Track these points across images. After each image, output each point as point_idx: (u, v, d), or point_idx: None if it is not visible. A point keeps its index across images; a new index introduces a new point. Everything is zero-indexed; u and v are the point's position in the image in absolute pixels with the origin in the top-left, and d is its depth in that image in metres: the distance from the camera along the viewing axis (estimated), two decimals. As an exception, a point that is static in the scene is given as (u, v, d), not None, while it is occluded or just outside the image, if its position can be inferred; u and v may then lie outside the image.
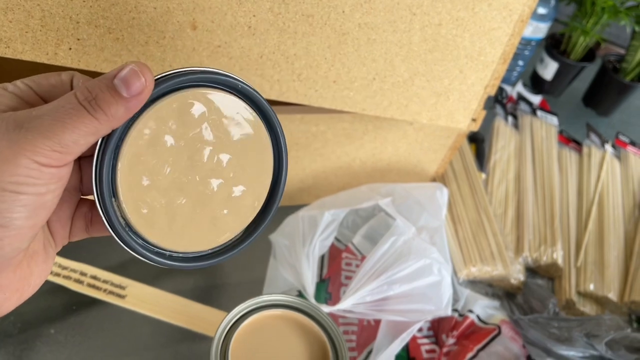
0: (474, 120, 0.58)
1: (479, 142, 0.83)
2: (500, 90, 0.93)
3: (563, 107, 0.98)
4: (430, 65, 0.52)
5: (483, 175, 0.77)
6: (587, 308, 0.65)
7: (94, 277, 0.53)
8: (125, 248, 0.28)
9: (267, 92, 0.49)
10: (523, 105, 0.90)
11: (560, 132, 0.87)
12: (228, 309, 0.45)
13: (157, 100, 0.27)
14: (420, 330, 0.60)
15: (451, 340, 0.59)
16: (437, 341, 0.60)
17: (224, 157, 0.29)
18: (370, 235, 0.66)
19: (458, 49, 0.52)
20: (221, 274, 0.64)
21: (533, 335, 0.57)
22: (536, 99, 0.95)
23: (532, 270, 0.70)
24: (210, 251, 0.32)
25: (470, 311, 0.61)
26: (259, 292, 0.61)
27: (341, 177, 0.68)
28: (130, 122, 0.26)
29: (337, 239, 0.66)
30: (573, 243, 0.72)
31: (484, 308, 0.62)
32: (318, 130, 0.59)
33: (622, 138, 0.90)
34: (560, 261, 0.68)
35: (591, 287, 0.66)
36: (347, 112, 0.58)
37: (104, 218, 0.27)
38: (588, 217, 0.74)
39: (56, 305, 0.56)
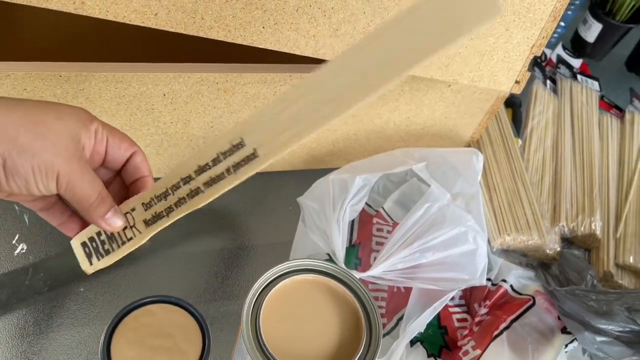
0: (517, 82, 0.55)
1: (515, 107, 0.80)
2: (539, 52, 0.89)
3: (605, 72, 0.93)
4: (475, 22, 0.49)
5: (519, 141, 0.74)
6: (626, 281, 0.63)
7: (201, 169, 0.33)
8: None
9: (302, 48, 0.47)
10: (563, 69, 0.86)
11: (602, 98, 0.83)
12: (256, 272, 0.44)
13: (134, 309, 0.44)
14: (452, 299, 0.58)
15: (483, 310, 0.57)
16: (469, 310, 0.59)
17: (171, 337, 0.44)
18: (401, 201, 0.64)
19: (505, 4, 0.48)
20: (249, 236, 0.63)
21: (570, 307, 0.55)
22: (576, 63, 0.90)
23: (568, 241, 0.68)
24: None
25: (504, 281, 0.59)
26: (286, 255, 0.60)
27: (373, 141, 0.66)
28: (113, 327, 0.43)
29: (367, 204, 0.64)
30: (612, 213, 0.69)
31: (517, 278, 0.60)
32: (352, 90, 0.57)
33: (667, 105, 0.85)
34: (598, 232, 0.66)
35: (631, 259, 0.64)
36: (383, 72, 0.55)
37: None
38: (629, 186, 0.71)
39: (85, 264, 0.56)
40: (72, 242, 0.41)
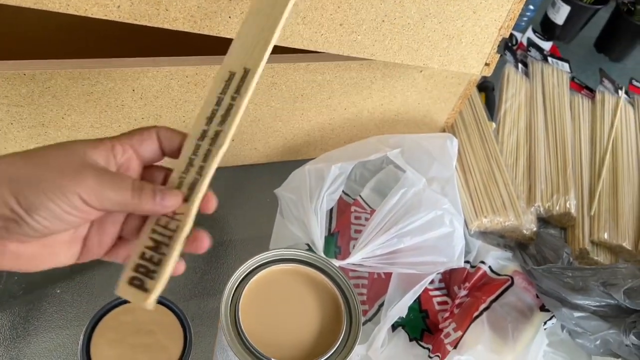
0: (487, 64, 0.56)
1: (488, 91, 0.80)
2: (510, 36, 0.90)
3: (575, 53, 0.94)
4: (442, 6, 0.49)
5: (493, 125, 0.75)
6: (601, 257, 0.64)
7: (210, 119, 0.36)
8: None
9: (270, 37, 0.46)
10: (533, 52, 0.87)
11: (572, 79, 0.85)
12: (235, 266, 0.44)
13: (113, 308, 0.45)
14: (431, 282, 0.59)
15: (463, 292, 0.58)
16: (449, 293, 0.59)
17: (152, 334, 0.45)
18: (378, 189, 0.64)
19: (472, -12, 0.49)
20: (227, 230, 0.63)
21: (547, 285, 0.56)
22: (547, 45, 0.91)
23: (544, 220, 0.69)
24: None
25: (482, 262, 0.60)
26: (266, 248, 0.60)
27: (348, 130, 0.66)
28: (92, 327, 0.44)
29: (345, 192, 0.64)
30: (586, 192, 0.70)
31: (496, 259, 0.61)
32: (324, 79, 0.57)
33: (636, 84, 0.87)
34: (573, 210, 0.67)
35: (605, 235, 0.65)
36: (354, 60, 0.55)
37: None
38: (601, 165, 0.72)
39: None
40: (118, 291, 0.35)
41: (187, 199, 0.35)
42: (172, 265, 0.34)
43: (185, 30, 0.44)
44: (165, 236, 0.34)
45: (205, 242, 0.36)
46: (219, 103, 0.35)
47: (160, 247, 0.34)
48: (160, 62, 0.50)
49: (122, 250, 0.37)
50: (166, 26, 0.43)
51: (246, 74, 0.35)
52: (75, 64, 0.48)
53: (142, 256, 0.34)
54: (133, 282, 0.34)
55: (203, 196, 0.35)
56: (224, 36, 0.46)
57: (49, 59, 0.48)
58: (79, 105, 0.51)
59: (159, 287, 0.34)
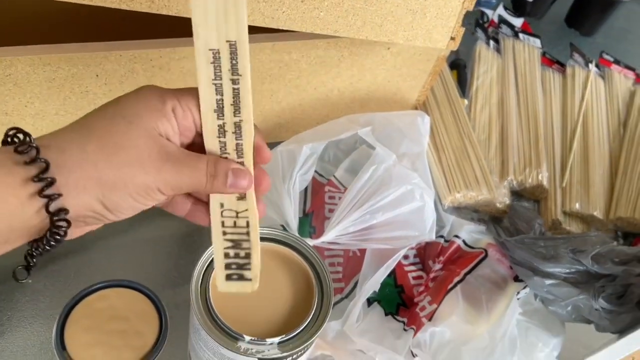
0: (452, 38, 0.56)
1: (460, 68, 0.81)
2: (481, 14, 0.90)
3: (545, 29, 0.94)
4: (404, -20, 0.49)
5: (465, 102, 0.75)
6: (573, 227, 0.65)
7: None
8: None
9: (231, 16, 0.46)
10: (505, 29, 0.87)
11: (543, 54, 0.85)
12: (210, 250, 0.44)
13: (87, 295, 0.46)
14: (406, 257, 0.59)
15: (438, 266, 0.58)
16: (424, 268, 0.60)
17: (127, 320, 0.46)
18: (352, 169, 0.64)
19: (433, -40, 0.49)
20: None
21: (519, 255, 0.56)
22: (518, 22, 0.92)
23: (517, 194, 0.69)
24: None
25: (456, 236, 0.60)
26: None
27: (319, 110, 0.66)
28: (66, 314, 0.45)
29: (319, 173, 0.64)
30: (558, 164, 0.71)
31: (469, 233, 0.61)
32: (291, 59, 0.57)
33: (606, 57, 0.88)
34: (545, 182, 0.68)
35: (577, 206, 0.66)
36: (320, 38, 0.55)
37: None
38: (573, 137, 0.73)
39: (32, 256, 0.54)
40: (221, 289, 0.39)
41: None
42: (259, 252, 0.37)
43: (143, 10, 0.44)
44: (241, 234, 0.36)
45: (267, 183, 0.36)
46: (219, 91, 0.31)
47: (240, 244, 0.36)
48: (122, 46, 0.49)
49: (199, 212, 0.38)
50: (123, 7, 0.43)
51: (234, 47, 0.30)
52: (34, 50, 0.47)
53: (227, 256, 0.37)
54: (231, 278, 0.38)
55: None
56: (183, 16, 0.45)
57: (8, 45, 0.47)
58: (42, 92, 0.50)
59: (257, 273, 0.37)
